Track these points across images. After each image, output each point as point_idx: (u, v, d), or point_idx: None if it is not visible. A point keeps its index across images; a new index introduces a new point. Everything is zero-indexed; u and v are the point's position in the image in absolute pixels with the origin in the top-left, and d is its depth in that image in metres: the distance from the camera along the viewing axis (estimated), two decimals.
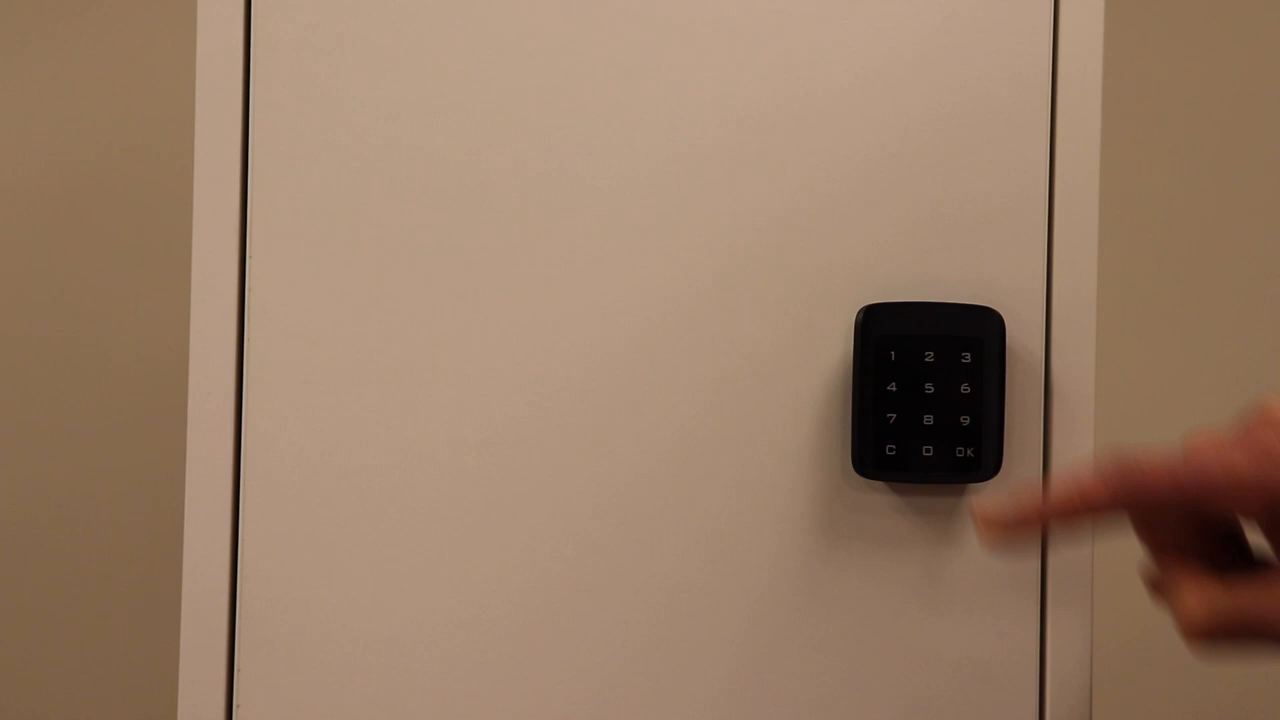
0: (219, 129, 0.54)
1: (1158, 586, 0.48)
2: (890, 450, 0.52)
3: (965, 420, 0.52)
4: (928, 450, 0.52)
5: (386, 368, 0.54)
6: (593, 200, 0.54)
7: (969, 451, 0.52)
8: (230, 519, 0.54)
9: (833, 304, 0.54)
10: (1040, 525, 0.45)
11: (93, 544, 1.07)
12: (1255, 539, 0.46)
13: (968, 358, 0.52)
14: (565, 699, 0.54)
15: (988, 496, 0.53)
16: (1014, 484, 0.54)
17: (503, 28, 0.54)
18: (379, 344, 0.54)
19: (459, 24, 0.54)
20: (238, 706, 0.54)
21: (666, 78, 0.54)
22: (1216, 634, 0.44)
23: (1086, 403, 0.54)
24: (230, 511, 0.54)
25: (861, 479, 0.53)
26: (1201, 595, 0.45)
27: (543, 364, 0.54)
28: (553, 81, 0.54)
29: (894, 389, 0.52)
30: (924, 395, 0.52)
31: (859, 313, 0.53)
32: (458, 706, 0.54)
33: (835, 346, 0.54)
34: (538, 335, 0.54)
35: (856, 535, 0.54)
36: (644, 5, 0.54)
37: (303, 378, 0.54)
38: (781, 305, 0.54)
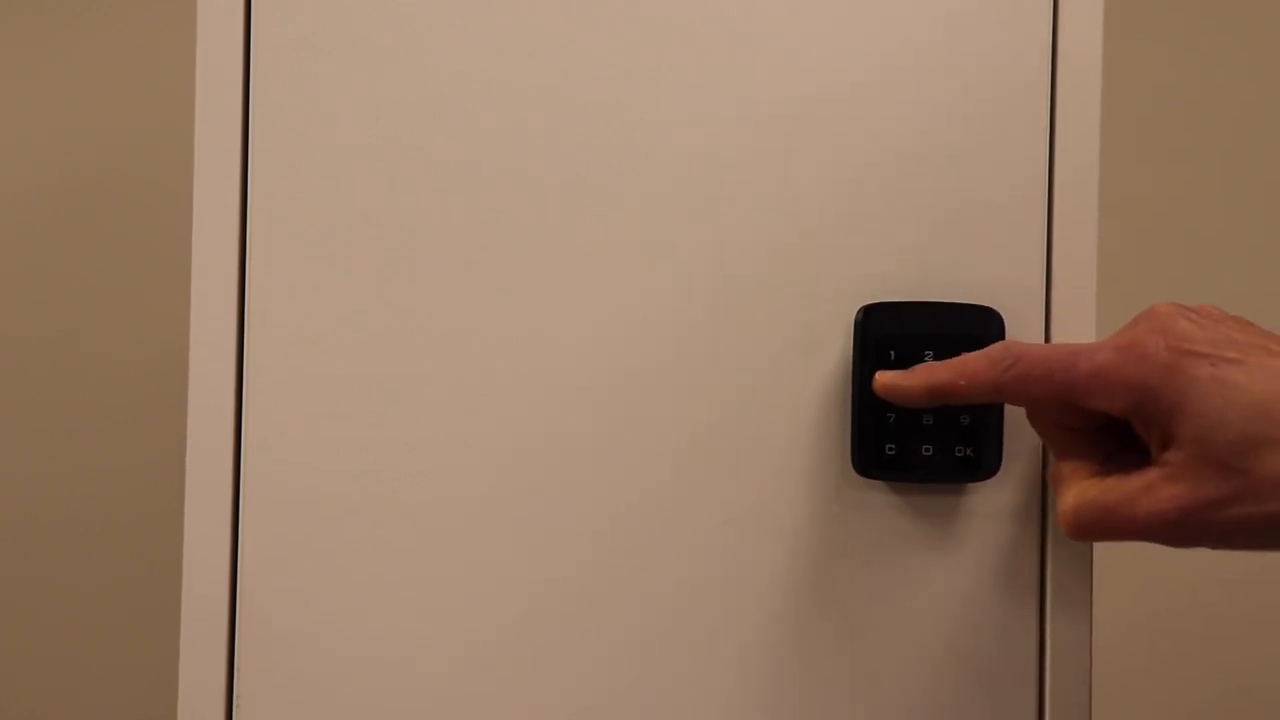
0: (219, 129, 0.54)
1: (1050, 479, 0.49)
2: (890, 450, 0.52)
3: (965, 419, 0.52)
4: (927, 450, 0.52)
5: (388, 369, 0.54)
6: (594, 202, 0.54)
7: (969, 451, 0.52)
8: (230, 519, 0.54)
9: (833, 304, 0.54)
10: (929, 400, 0.49)
11: (93, 544, 1.07)
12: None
13: None
14: (565, 700, 0.54)
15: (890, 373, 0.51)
16: (1014, 484, 0.54)
17: (505, 28, 0.54)
18: (380, 345, 0.54)
19: (461, 24, 0.54)
20: (238, 707, 0.54)
21: (667, 81, 0.54)
22: (1084, 528, 0.45)
23: None
24: (230, 512, 0.54)
25: (861, 479, 0.53)
26: (1074, 490, 0.46)
27: (543, 366, 0.54)
28: (556, 82, 0.54)
29: None
30: None
31: (859, 313, 0.53)
32: (459, 708, 0.54)
33: (835, 346, 0.54)
34: (538, 337, 0.54)
35: (856, 535, 0.54)
36: (647, 9, 0.54)
37: (303, 378, 0.54)
38: (781, 305, 0.54)
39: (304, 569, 0.54)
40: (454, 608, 0.54)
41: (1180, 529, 0.42)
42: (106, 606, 1.07)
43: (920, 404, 0.50)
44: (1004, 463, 0.53)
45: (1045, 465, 0.54)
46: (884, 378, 0.50)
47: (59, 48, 1.07)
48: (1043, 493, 0.54)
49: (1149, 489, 0.43)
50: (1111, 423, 0.48)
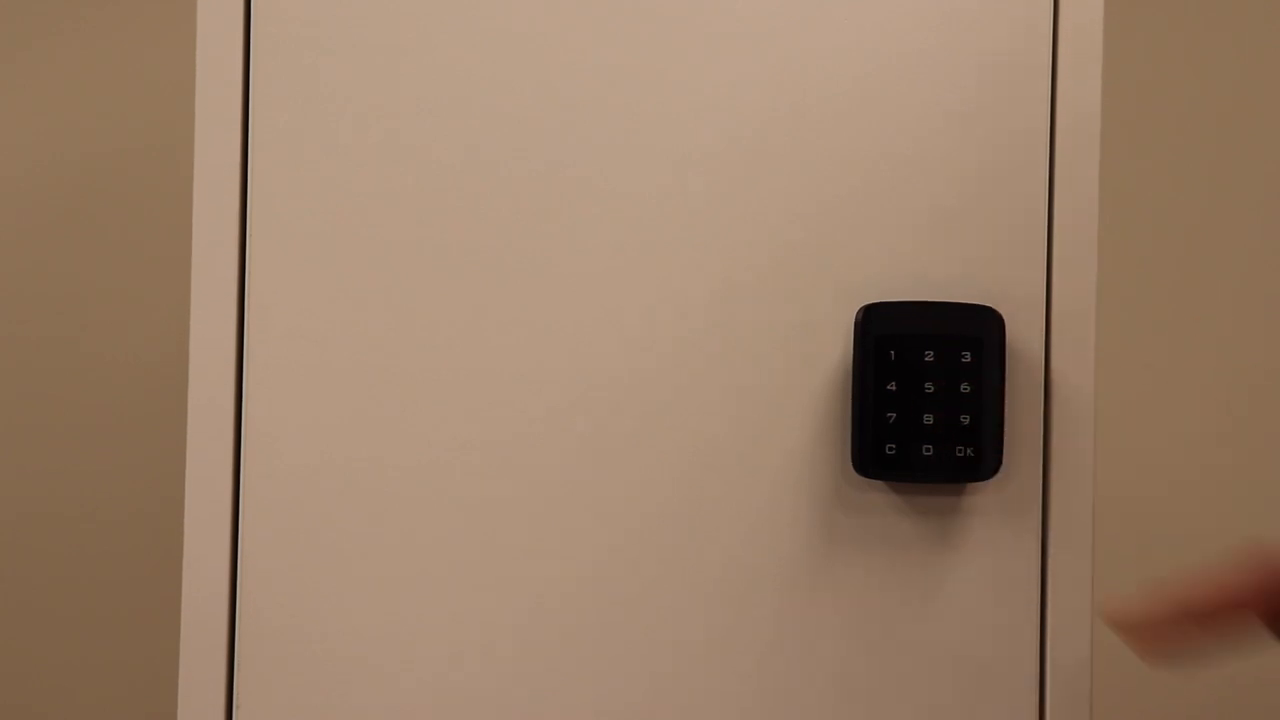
0: (219, 129, 0.54)
1: None
2: (890, 450, 0.52)
3: (965, 420, 0.52)
4: (928, 450, 0.52)
5: (388, 368, 0.54)
6: (594, 201, 0.54)
7: (969, 451, 0.52)
8: (230, 519, 0.54)
9: (833, 304, 0.54)
10: (1182, 627, 0.42)
11: (93, 544, 1.07)
12: None
13: (968, 357, 0.52)
14: (565, 700, 0.54)
15: (1118, 598, 0.45)
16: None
17: (506, 27, 0.54)
18: (380, 344, 0.54)
19: (461, 23, 0.54)
20: (238, 706, 0.54)
21: (669, 81, 0.54)
22: None
23: (1086, 402, 0.54)
24: (230, 511, 0.54)
25: (862, 478, 0.53)
26: None
27: (543, 365, 0.54)
28: (556, 82, 0.54)
29: (894, 389, 0.52)
30: (924, 395, 0.52)
31: (859, 312, 0.53)
32: (458, 707, 0.54)
33: (835, 346, 0.54)
34: (537, 336, 0.54)
35: (856, 535, 0.54)
36: (648, 9, 0.54)
37: (303, 378, 0.54)
38: (781, 305, 0.54)
39: (304, 569, 0.54)
40: (455, 608, 0.54)
41: None
42: (106, 606, 1.07)
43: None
44: (1004, 463, 0.53)
45: (1046, 465, 0.54)
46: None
47: (58, 48, 1.07)
48: (1043, 493, 0.54)
49: None
50: None
